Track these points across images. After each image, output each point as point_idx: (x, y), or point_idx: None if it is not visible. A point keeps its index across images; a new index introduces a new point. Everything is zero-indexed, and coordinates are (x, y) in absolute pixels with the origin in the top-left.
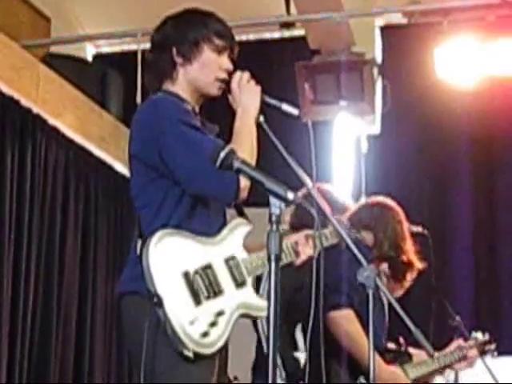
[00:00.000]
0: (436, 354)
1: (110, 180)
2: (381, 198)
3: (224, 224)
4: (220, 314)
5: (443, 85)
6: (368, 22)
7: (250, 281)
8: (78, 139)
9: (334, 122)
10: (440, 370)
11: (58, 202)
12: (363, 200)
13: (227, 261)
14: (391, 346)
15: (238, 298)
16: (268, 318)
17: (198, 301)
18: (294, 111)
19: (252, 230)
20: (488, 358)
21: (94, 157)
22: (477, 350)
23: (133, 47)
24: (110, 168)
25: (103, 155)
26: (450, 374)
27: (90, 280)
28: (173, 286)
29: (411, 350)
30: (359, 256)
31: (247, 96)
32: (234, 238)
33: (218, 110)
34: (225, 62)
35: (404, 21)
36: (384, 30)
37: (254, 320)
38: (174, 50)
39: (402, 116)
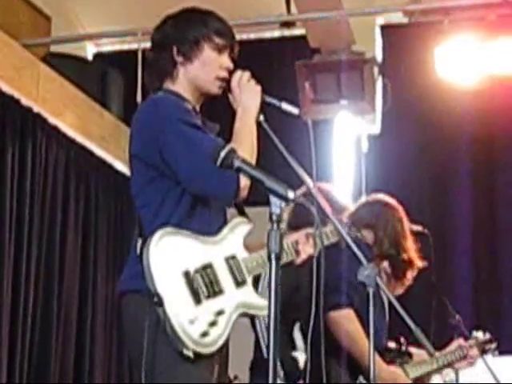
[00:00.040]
0: (436, 354)
1: (110, 179)
2: (381, 196)
3: (224, 223)
4: (220, 313)
5: (443, 84)
6: (368, 20)
7: (250, 280)
8: (79, 138)
9: (334, 121)
10: (440, 370)
11: (59, 201)
12: (363, 198)
13: (227, 260)
14: (392, 345)
15: (238, 298)
16: (268, 317)
17: (198, 300)
18: (294, 110)
19: (252, 229)
20: (488, 358)
21: (94, 156)
22: (477, 350)
23: (133, 46)
24: (111, 167)
25: (103, 154)
26: (447, 374)
27: (90, 279)
28: (173, 286)
29: (412, 349)
30: (359, 255)
31: (247, 95)
32: (234, 237)
33: (218, 109)
34: (225, 60)
35: (404, 20)
36: (384, 28)
37: (252, 319)
38: (175, 49)
39: (402, 115)
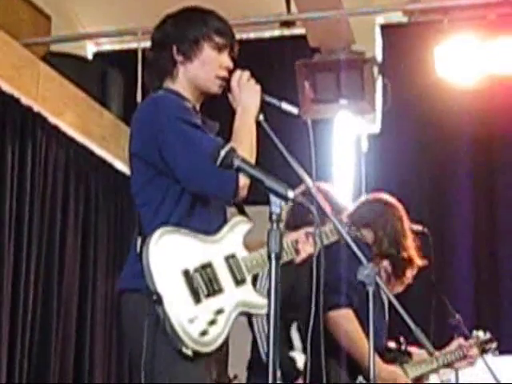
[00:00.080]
0: (436, 353)
1: (110, 178)
2: (381, 195)
3: (224, 222)
4: (219, 312)
5: (443, 83)
6: (368, 20)
7: (249, 279)
8: (79, 138)
9: (334, 120)
10: (440, 369)
11: (59, 201)
12: (363, 197)
13: (227, 259)
14: (391, 345)
15: (237, 296)
16: (268, 316)
17: (197, 299)
18: (294, 110)
19: (252, 228)
20: (488, 357)
21: (94, 155)
22: (477, 349)
23: (133, 45)
24: (111, 166)
25: (103, 154)
26: (444, 373)
27: (90, 278)
28: (172, 284)
29: (412, 349)
30: (359, 254)
31: (247, 95)
32: (234, 236)
33: (218, 108)
34: (225, 59)
35: (404, 19)
36: (384, 28)
37: (250, 319)
38: (175, 48)
39: (402, 114)
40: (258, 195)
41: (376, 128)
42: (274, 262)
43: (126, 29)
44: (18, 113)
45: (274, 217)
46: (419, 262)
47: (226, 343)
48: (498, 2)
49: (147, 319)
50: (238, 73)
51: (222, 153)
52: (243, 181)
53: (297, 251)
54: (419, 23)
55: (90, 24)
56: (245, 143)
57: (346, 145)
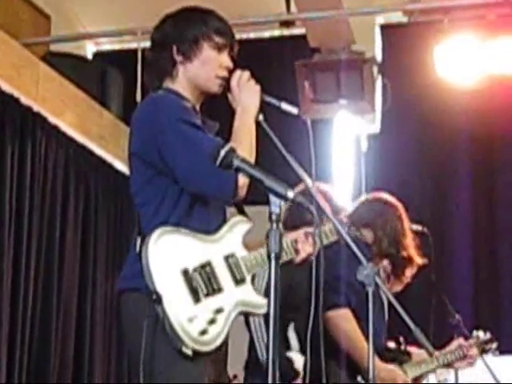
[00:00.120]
0: (436, 353)
1: (109, 178)
2: (381, 194)
3: (224, 222)
4: (219, 311)
5: (443, 83)
6: (368, 20)
7: (249, 278)
8: (78, 137)
9: (333, 120)
10: (440, 369)
11: (58, 200)
12: (363, 197)
13: (226, 258)
14: (391, 344)
15: (237, 296)
16: (267, 316)
17: (196, 298)
18: (294, 110)
19: (252, 227)
20: (488, 357)
21: (93, 155)
22: (477, 349)
23: (133, 45)
24: (110, 166)
25: (103, 153)
26: (441, 373)
27: (89, 278)
28: (172, 284)
29: (412, 349)
30: (359, 254)
31: (247, 95)
32: (233, 236)
33: (217, 108)
34: (225, 59)
35: (404, 19)
36: (384, 28)
37: (247, 318)
38: (174, 48)
39: (401, 114)
40: (258, 195)
41: (376, 128)
42: (273, 261)
43: (125, 29)
44: (18, 113)
45: (274, 217)
46: (419, 260)
47: (225, 343)
48: (497, 2)
49: (147, 319)
50: (237, 73)
51: (222, 152)
52: (242, 181)
53: (296, 251)
54: (419, 23)
55: (90, 24)
56: (244, 143)
57: (346, 145)
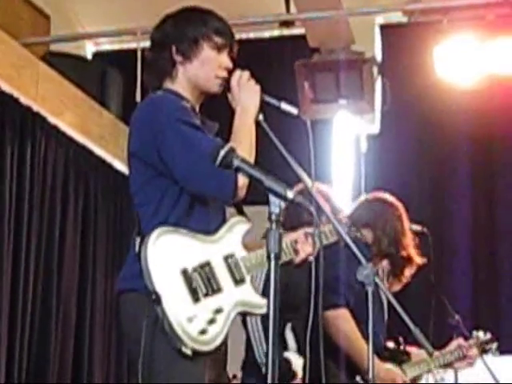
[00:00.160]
0: (436, 353)
1: (109, 178)
2: (381, 194)
3: (223, 222)
4: (218, 311)
5: (443, 83)
6: (368, 20)
7: (248, 279)
8: (78, 137)
9: (333, 120)
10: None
11: (58, 200)
12: (363, 196)
13: (226, 258)
14: (390, 344)
15: (236, 296)
16: (267, 316)
17: (196, 298)
18: (293, 110)
19: (251, 228)
20: (487, 357)
21: (93, 155)
22: (477, 349)
23: (132, 45)
24: (110, 166)
25: (103, 153)
26: (438, 373)
27: (89, 277)
28: (171, 284)
29: (412, 349)
30: (358, 254)
31: (247, 95)
32: (232, 236)
33: (217, 108)
34: (224, 60)
35: (404, 19)
36: (384, 28)
37: (244, 319)
38: (174, 48)
39: (401, 115)
40: (257, 195)
41: (375, 128)
42: (273, 261)
43: (125, 29)
44: (18, 112)
45: (274, 217)
46: (418, 260)
47: (224, 343)
48: (497, 3)
49: (146, 319)
50: (237, 73)
51: (222, 152)
52: (242, 181)
53: (296, 251)
54: (419, 23)
55: (90, 24)
56: (244, 143)
57: (346, 145)
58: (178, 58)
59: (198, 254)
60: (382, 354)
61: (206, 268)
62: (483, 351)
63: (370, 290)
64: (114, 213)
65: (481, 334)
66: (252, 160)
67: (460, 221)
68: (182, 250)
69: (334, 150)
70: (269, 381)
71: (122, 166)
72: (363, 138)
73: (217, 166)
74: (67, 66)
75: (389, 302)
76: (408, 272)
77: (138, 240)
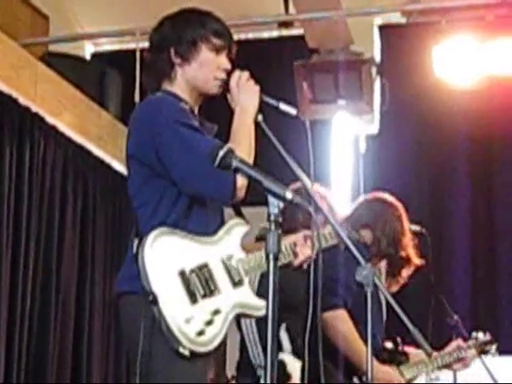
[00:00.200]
0: (434, 354)
1: (107, 179)
2: (380, 194)
3: (222, 223)
4: (216, 312)
5: (442, 84)
6: (366, 21)
7: (247, 280)
8: (76, 138)
9: (332, 121)
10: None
11: (56, 201)
12: (362, 197)
13: (224, 260)
14: (388, 345)
15: (234, 298)
16: (262, 317)
17: (194, 299)
18: (292, 111)
19: (250, 230)
20: (486, 358)
21: (92, 155)
22: (476, 350)
23: (131, 46)
24: (108, 167)
25: (101, 154)
26: (433, 373)
27: (88, 278)
28: (168, 285)
29: (411, 349)
30: (358, 256)
31: (246, 95)
32: (231, 238)
33: (216, 109)
34: (223, 61)
35: (403, 20)
36: (382, 29)
37: (238, 320)
38: (172, 50)
39: (400, 115)
40: (256, 196)
41: (374, 129)
42: (272, 263)
43: (124, 29)
44: (16, 113)
45: (272, 218)
46: (417, 261)
47: (223, 344)
48: (496, 3)
49: (144, 320)
50: (237, 73)
51: (221, 153)
52: (241, 182)
53: (295, 254)
54: (417, 24)
55: (89, 24)
56: (243, 144)
57: (344, 145)
58: (177, 60)
59: (195, 256)
60: (380, 354)
61: (203, 270)
62: (482, 352)
63: (368, 290)
64: (112, 213)
65: (480, 334)
66: (251, 161)
67: (459, 221)
68: (180, 252)
69: (332, 150)
70: (267, 381)
71: (120, 167)
72: (362, 138)
73: (215, 166)
74: (66, 66)
75: (387, 303)
76: (405, 273)
77: (135, 241)
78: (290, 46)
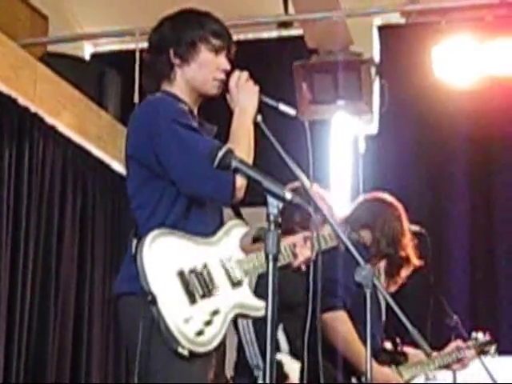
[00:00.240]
0: (434, 354)
1: (107, 179)
2: (380, 194)
3: (221, 224)
4: (215, 313)
5: (441, 84)
6: (366, 21)
7: (246, 281)
8: (76, 138)
9: (331, 121)
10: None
11: (56, 201)
12: (361, 196)
13: (223, 261)
14: (387, 345)
15: (233, 298)
16: (259, 318)
17: (193, 300)
18: (291, 111)
19: (249, 230)
20: (486, 358)
21: (91, 156)
22: (475, 351)
23: (131, 46)
24: (108, 167)
25: (101, 154)
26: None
27: (87, 278)
28: (167, 285)
29: (410, 349)
30: (357, 256)
31: (245, 95)
32: (230, 239)
33: (215, 109)
34: (222, 62)
35: (402, 20)
36: (382, 29)
37: (235, 321)
38: (171, 51)
39: (399, 116)
40: (255, 196)
41: (373, 129)
42: (271, 263)
43: (123, 29)
44: (16, 113)
45: (272, 218)
46: (416, 261)
47: (223, 344)
48: (495, 4)
49: (143, 320)
50: (236, 73)
51: (220, 154)
52: (240, 182)
53: (294, 255)
54: (417, 24)
55: (88, 24)
56: (242, 144)
57: (344, 146)
58: (176, 61)
59: (194, 257)
60: (379, 355)
61: (202, 270)
62: (482, 353)
63: (367, 291)
64: (111, 213)
65: (480, 335)
66: (250, 161)
67: (458, 221)
68: (179, 252)
69: (332, 150)
70: (266, 381)
71: (119, 167)
72: (361, 138)
73: (215, 167)
74: (65, 66)
75: (387, 303)
76: (404, 273)
77: (134, 242)
78: (289, 47)
